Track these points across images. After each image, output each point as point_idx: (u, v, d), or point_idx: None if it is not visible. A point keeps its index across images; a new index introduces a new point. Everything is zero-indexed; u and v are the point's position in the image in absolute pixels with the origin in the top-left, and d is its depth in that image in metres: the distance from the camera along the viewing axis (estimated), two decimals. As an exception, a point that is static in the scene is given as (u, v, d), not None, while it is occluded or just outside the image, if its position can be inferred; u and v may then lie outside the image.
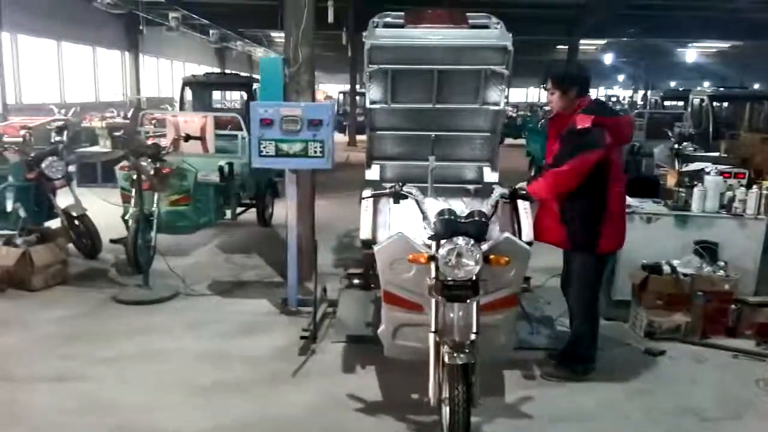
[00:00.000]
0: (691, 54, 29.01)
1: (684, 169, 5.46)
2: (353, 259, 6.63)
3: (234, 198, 7.49)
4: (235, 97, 14.81)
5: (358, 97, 21.47)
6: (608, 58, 28.30)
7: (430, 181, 5.46)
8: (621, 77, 42.38)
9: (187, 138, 6.66)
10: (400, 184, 3.43)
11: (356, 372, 4.19)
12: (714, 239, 5.02)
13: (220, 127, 8.28)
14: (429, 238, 3.27)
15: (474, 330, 3.18)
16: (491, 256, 3.17)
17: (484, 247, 3.20)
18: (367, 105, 5.50)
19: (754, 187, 5.06)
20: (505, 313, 3.47)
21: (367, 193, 4.29)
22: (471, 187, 5.84)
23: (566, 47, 23.66)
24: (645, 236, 5.03)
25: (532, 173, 12.97)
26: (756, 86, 24.89)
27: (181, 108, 10.55)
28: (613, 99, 34.44)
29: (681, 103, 15.95)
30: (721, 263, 4.91)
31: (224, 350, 4.46)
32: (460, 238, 3.11)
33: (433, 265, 3.20)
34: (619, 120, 3.97)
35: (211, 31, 22.82)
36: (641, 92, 35.46)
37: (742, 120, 13.01)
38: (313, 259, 4.59)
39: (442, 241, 3.16)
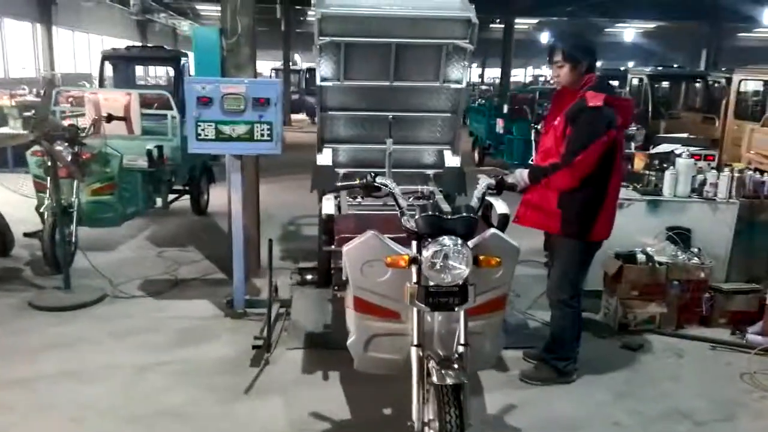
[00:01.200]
0: (628, 33, 29.55)
1: (653, 151, 5.22)
2: (302, 251, 6.11)
3: (165, 185, 6.81)
4: (160, 73, 13.83)
5: (291, 75, 20.71)
6: (544, 37, 28.45)
7: (388, 166, 5.02)
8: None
9: (110, 118, 5.91)
10: (372, 173, 2.94)
11: (318, 384, 3.71)
12: (686, 225, 4.80)
13: (147, 107, 7.53)
14: (409, 237, 2.81)
15: (462, 341, 2.77)
16: (480, 257, 2.74)
17: (470, 244, 2.78)
18: (318, 82, 4.97)
19: (726, 169, 4.88)
20: (491, 318, 3.06)
21: (328, 197, 3.80)
22: (430, 171, 5.43)
23: (501, 26, 23.61)
24: (615, 223, 4.74)
25: (476, 154, 12.73)
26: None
27: (101, 85, 9.62)
28: (541, 78, 34.88)
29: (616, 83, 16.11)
30: (695, 250, 4.71)
31: (162, 365, 3.88)
32: (447, 237, 2.67)
33: (414, 269, 2.75)
34: (627, 102, 3.67)
35: (131, 2, 21.30)
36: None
37: (678, 99, 13.19)
38: (268, 257, 4.04)
39: (426, 241, 2.71)
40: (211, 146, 4.30)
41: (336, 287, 3.68)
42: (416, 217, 2.73)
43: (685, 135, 6.12)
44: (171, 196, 7.15)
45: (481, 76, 38.59)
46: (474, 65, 31.13)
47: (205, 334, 4.34)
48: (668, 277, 4.54)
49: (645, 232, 4.80)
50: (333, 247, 3.64)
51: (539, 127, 10.44)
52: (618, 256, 4.60)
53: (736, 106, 9.69)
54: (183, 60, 9.81)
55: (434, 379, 2.60)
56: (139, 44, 16.30)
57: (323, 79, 4.94)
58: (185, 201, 7.47)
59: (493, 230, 2.95)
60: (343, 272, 3.19)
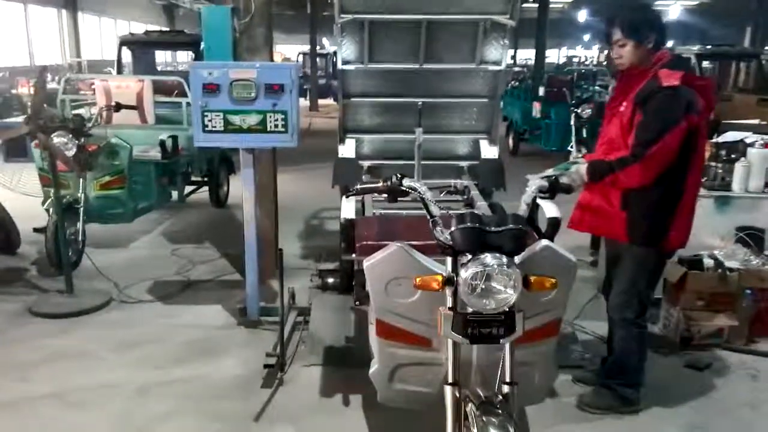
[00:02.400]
0: (674, 10, 28.22)
1: (719, 139, 4.61)
2: (324, 249, 5.65)
3: (181, 176, 6.42)
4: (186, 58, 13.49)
5: (318, 59, 20.24)
6: (582, 15, 27.37)
7: (417, 159, 4.51)
8: (586, 36, 41.63)
9: (118, 107, 5.50)
10: (399, 176, 2.44)
11: (337, 410, 3.25)
12: (759, 225, 4.20)
13: (164, 94, 7.13)
14: (443, 252, 2.32)
15: (508, 379, 2.27)
16: (532, 278, 2.23)
17: (517, 260, 2.28)
18: (339, 65, 4.47)
19: (807, 161, 4.26)
20: (542, 346, 2.57)
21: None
22: (465, 163, 4.91)
23: (535, 5, 22.70)
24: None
25: (510, 141, 12.10)
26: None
27: (119, 71, 9.24)
28: (575, 60, 33.74)
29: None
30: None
31: (164, 386, 3.46)
32: (490, 255, 2.17)
33: (449, 291, 2.26)
34: (706, 81, 3.02)
35: (157, -14, 21.09)
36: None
37: (728, 80, 12.34)
38: (278, 269, 3.58)
39: (465, 258, 2.21)
40: (219, 139, 3.84)
41: (357, 301, 3.21)
42: (452, 228, 2.23)
43: (755, 121, 5.47)
44: (188, 189, 6.78)
45: (514, 57, 37.53)
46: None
47: (214, 346, 3.91)
48: (740, 285, 3.96)
49: (712, 233, 4.22)
50: (354, 255, 3.17)
51: (579, 110, 9.94)
52: (681, 262, 4.03)
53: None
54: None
55: (474, 428, 2.12)
56: (159, 29, 15.96)
57: (345, 62, 4.46)
58: (204, 193, 7.07)
59: (545, 242, 2.42)
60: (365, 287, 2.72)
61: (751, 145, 4.31)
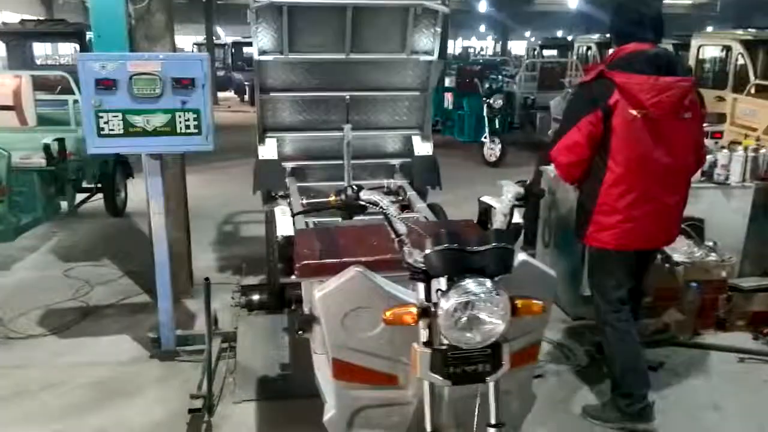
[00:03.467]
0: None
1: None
2: (243, 258, 5.12)
3: (70, 184, 5.63)
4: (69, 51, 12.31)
5: (216, 50, 19.27)
6: (482, 6, 27.74)
7: (347, 158, 4.11)
8: (482, 27, 42.51)
9: (-9, 108, 4.71)
10: (354, 187, 2.04)
11: (279, 456, 2.82)
12: (699, 215, 4.13)
13: (46, 91, 6.30)
14: (413, 276, 1.94)
15: (494, 421, 1.94)
16: (518, 303, 1.90)
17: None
18: (255, 56, 3.98)
19: (739, 149, 4.24)
20: (523, 372, 2.26)
21: (283, 208, 2.89)
22: (396, 162, 4.55)
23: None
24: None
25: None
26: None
27: (-9, 66, 8.17)
28: (470, 50, 34.27)
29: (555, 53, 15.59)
30: (710, 243, 4.05)
31: (67, 443, 2.89)
32: (472, 280, 1.82)
33: (423, 324, 1.89)
34: (644, 79, 2.69)
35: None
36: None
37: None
38: (205, 301, 3.07)
39: (440, 283, 1.86)
40: (118, 144, 3.25)
41: (300, 330, 2.77)
42: (427, 250, 1.86)
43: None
44: (79, 197, 6.01)
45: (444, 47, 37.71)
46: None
47: (124, 387, 3.34)
48: (686, 278, 3.87)
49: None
50: (294, 277, 2.73)
51: (492, 101, 9.87)
52: (628, 257, 3.88)
53: (696, 74, 9.23)
54: (90, 34, 8.45)
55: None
56: (36, 18, 14.49)
57: (261, 53, 3.96)
58: (98, 201, 6.30)
59: (522, 257, 2.11)
60: (312, 314, 2.31)
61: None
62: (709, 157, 4.20)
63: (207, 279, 3.04)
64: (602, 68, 2.80)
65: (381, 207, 1.99)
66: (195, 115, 3.27)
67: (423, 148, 4.40)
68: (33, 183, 4.98)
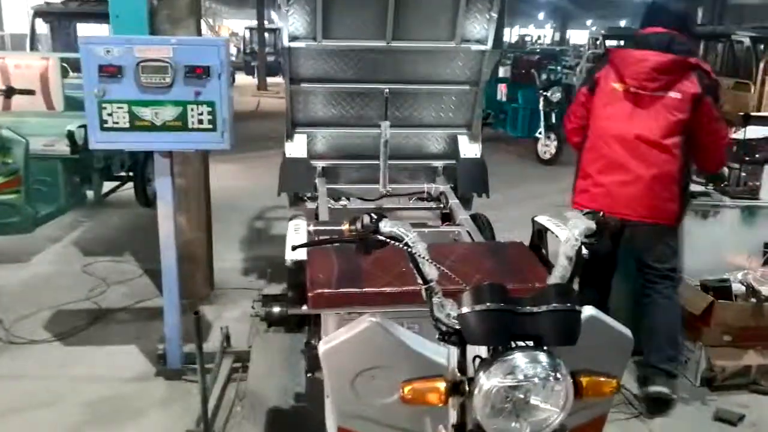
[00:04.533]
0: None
1: (739, 135, 3.90)
2: (271, 261, 4.74)
3: (97, 173, 5.39)
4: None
5: (267, 34, 19.09)
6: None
7: (383, 158, 3.67)
8: (540, 15, 41.21)
9: (10, 92, 4.45)
10: (373, 216, 1.59)
11: None
12: (790, 239, 3.53)
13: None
14: (444, 338, 1.49)
15: None
16: (584, 381, 1.42)
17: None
18: (285, 42, 3.56)
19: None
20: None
21: (297, 223, 2.46)
22: (439, 164, 4.07)
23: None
24: (694, 238, 3.47)
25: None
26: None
27: (32, 48, 8.00)
28: (527, 39, 33.09)
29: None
30: (803, 273, 3.44)
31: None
32: (522, 354, 1.35)
33: (454, 403, 1.44)
34: (629, 53, 3.01)
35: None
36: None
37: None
38: (195, 335, 2.65)
39: (482, 350, 1.40)
40: (123, 139, 2.88)
41: (310, 371, 2.36)
42: (463, 308, 1.39)
43: None
44: (109, 186, 5.77)
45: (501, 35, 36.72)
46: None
47: (122, 410, 2.99)
48: (774, 315, 3.29)
49: (735, 251, 3.52)
50: (305, 308, 2.31)
51: (549, 94, 9.23)
52: (706, 288, 3.32)
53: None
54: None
55: None
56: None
57: (293, 38, 3.54)
58: (129, 190, 6.04)
59: (589, 311, 1.62)
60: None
61: (781, 144, 3.63)
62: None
63: (196, 313, 2.63)
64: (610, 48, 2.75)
65: (406, 242, 1.53)
66: (210, 109, 2.87)
67: (470, 149, 3.91)
68: (56, 172, 4.73)
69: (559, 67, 11.01)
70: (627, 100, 2.94)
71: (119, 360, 3.44)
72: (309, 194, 3.80)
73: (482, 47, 3.64)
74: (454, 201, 3.65)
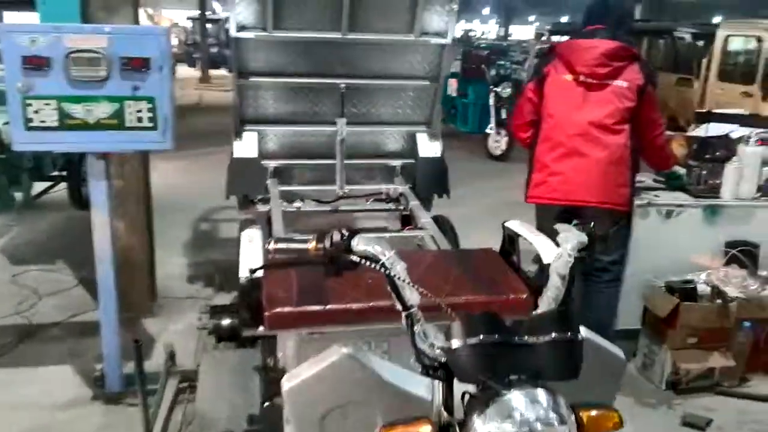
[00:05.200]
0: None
1: (696, 133, 3.87)
2: (219, 267, 4.47)
3: (27, 173, 5.02)
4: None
5: (210, 25, 18.52)
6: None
7: (340, 157, 3.46)
8: (485, 10, 41.56)
9: None
10: (344, 233, 1.39)
11: None
12: (752, 238, 3.51)
13: None
14: (427, 371, 1.30)
15: None
16: (584, 415, 1.27)
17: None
18: (232, 32, 3.30)
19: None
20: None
21: (251, 233, 2.25)
22: (397, 163, 3.89)
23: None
24: (657, 238, 3.42)
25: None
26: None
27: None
28: (471, 34, 33.25)
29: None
30: (764, 273, 3.43)
31: None
32: (522, 393, 1.18)
33: (442, 445, 1.27)
34: (576, 43, 3.08)
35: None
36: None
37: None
38: (137, 368, 2.39)
39: (469, 388, 1.23)
40: (52, 140, 2.58)
41: (267, 399, 2.14)
42: (453, 342, 1.21)
43: (740, 111, 4.81)
44: (41, 186, 5.38)
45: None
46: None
47: (57, 441, 2.71)
48: (738, 316, 3.26)
49: (698, 251, 3.48)
50: (261, 329, 2.09)
51: (499, 89, 9.18)
52: (671, 289, 3.26)
53: (721, 66, 8.58)
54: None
55: None
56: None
57: (240, 28, 3.28)
58: (63, 191, 5.63)
59: (584, 332, 1.46)
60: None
61: (740, 140, 3.59)
62: (765, 170, 3.60)
63: (137, 341, 2.38)
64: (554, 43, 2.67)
65: (383, 265, 1.34)
66: (149, 105, 2.61)
67: (429, 148, 3.75)
68: (-22, 172, 4.35)
69: (508, 63, 10.99)
70: (578, 89, 3.00)
71: (52, 383, 3.13)
72: (260, 196, 3.56)
73: (442, 41, 3.47)
74: (414, 203, 3.48)
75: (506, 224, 2.30)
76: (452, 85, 10.21)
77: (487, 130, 9.23)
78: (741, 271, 3.36)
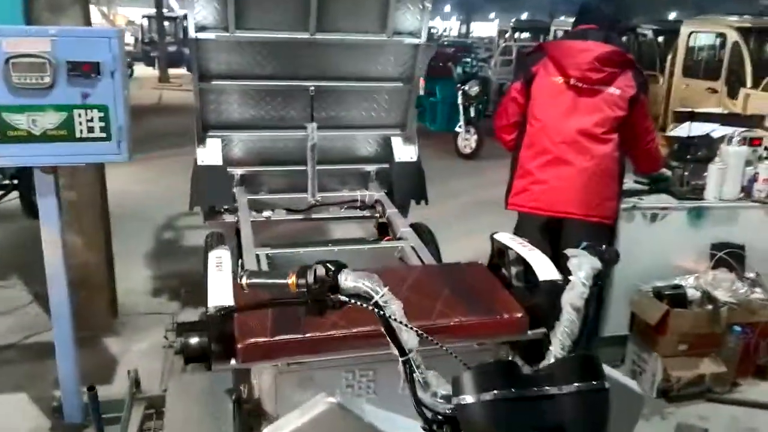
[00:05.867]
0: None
1: (677, 133, 3.78)
2: (185, 279, 4.22)
3: (-25, 183, 4.69)
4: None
5: (167, 23, 18.05)
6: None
7: (311, 164, 3.27)
8: (446, 7, 41.63)
9: None
10: (330, 267, 1.20)
11: None
12: (738, 240, 3.43)
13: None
14: (428, 427, 1.13)
15: None
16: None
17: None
18: (191, 33, 3.08)
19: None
20: None
21: (219, 255, 2.04)
22: (372, 168, 3.71)
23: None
24: (642, 242, 3.31)
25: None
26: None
27: None
28: (433, 31, 33.30)
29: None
30: (751, 275, 3.35)
31: None
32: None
33: None
34: (569, 45, 2.93)
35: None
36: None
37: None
38: (92, 412, 2.16)
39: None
40: (-8, 152, 2.34)
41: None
42: (464, 397, 1.03)
43: (719, 110, 4.72)
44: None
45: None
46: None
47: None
48: (729, 321, 3.17)
49: (683, 254, 3.39)
50: (234, 363, 1.88)
51: (467, 88, 9.08)
52: (659, 295, 3.16)
53: (686, 63, 8.62)
54: None
55: None
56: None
57: (200, 28, 3.06)
58: (14, 200, 5.30)
59: (606, 370, 1.30)
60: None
61: (722, 140, 3.51)
62: (748, 170, 3.53)
63: (91, 388, 2.15)
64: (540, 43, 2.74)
65: (376, 304, 1.15)
66: (101, 114, 2.38)
67: (405, 152, 3.58)
68: None
69: (474, 60, 10.90)
70: (568, 93, 2.86)
71: (7, 412, 2.88)
72: (227, 206, 3.35)
73: (415, 40, 3.31)
74: (391, 210, 3.31)
75: (495, 236, 2.15)
76: (420, 84, 10.07)
77: (457, 129, 9.13)
78: (729, 274, 3.27)
